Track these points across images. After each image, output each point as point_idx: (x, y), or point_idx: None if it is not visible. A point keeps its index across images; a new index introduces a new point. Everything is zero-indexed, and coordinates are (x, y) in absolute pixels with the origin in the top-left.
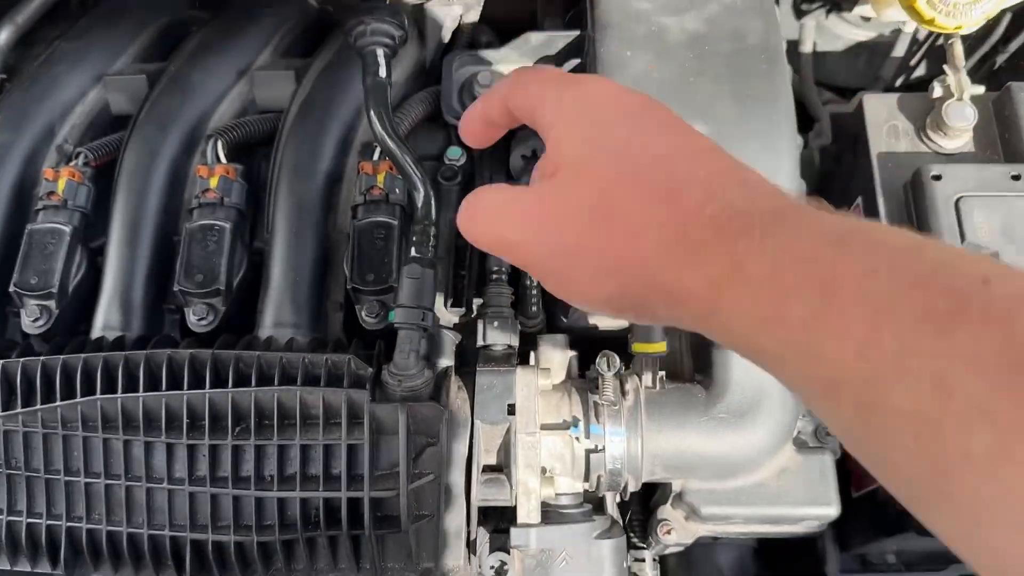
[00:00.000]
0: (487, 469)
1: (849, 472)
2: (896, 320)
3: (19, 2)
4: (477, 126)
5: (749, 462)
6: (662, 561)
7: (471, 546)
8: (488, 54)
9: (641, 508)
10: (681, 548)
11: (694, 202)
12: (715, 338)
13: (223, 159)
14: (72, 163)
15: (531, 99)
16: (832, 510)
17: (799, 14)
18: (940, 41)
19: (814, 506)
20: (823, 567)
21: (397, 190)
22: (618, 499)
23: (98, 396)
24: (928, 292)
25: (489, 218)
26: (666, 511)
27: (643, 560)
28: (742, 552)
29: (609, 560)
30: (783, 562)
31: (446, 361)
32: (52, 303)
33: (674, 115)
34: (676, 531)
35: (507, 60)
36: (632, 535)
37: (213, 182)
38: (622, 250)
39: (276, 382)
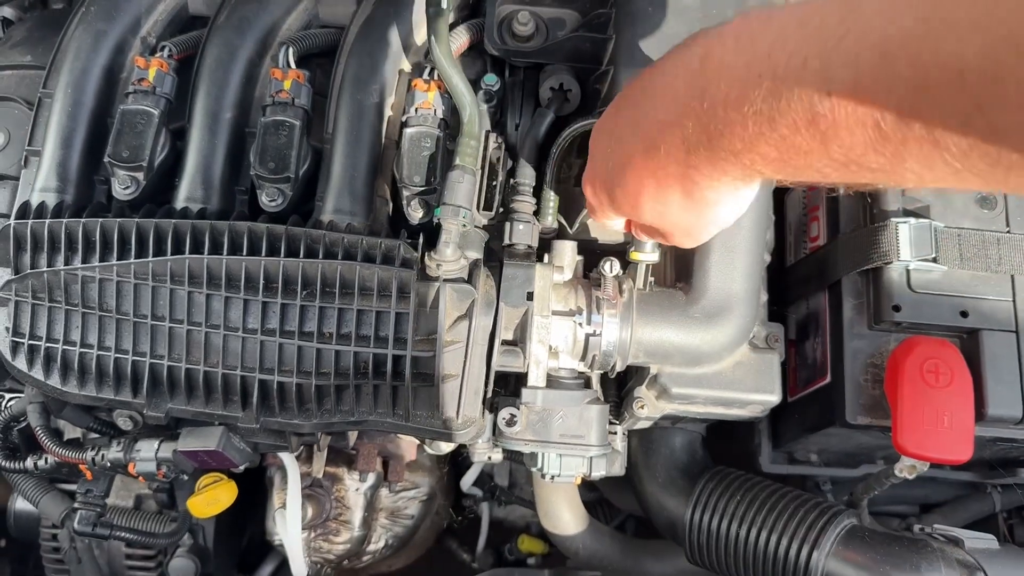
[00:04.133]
0: (506, 343)
1: (786, 382)
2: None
3: None
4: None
5: (713, 354)
6: (627, 439)
7: (486, 403)
8: None
9: (616, 392)
10: (648, 424)
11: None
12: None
13: (293, 65)
14: (158, 55)
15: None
16: (774, 397)
17: None
18: None
19: (760, 393)
20: (757, 459)
21: (443, 107)
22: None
23: (186, 255)
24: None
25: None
26: (641, 391)
27: (615, 433)
28: (692, 438)
29: (596, 421)
30: (725, 452)
31: (475, 254)
32: (140, 175)
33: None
34: (647, 407)
35: (542, 2)
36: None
37: (286, 84)
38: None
39: (339, 258)
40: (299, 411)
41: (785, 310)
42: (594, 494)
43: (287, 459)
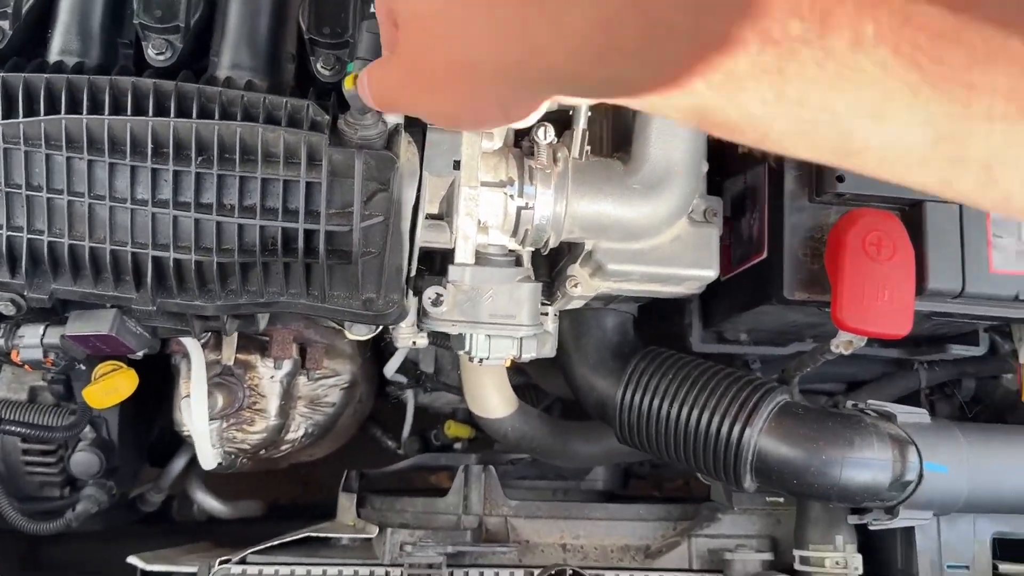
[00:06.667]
0: (430, 216)
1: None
2: None
3: None
4: None
5: (651, 228)
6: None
7: (409, 282)
8: None
9: (548, 272)
10: (581, 303)
11: None
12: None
13: None
14: None
15: None
16: (712, 272)
17: None
18: None
19: (698, 268)
20: (688, 338)
21: None
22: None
23: (62, 115)
24: None
25: None
26: (575, 269)
27: (546, 314)
28: (624, 319)
29: (527, 300)
30: (654, 332)
31: (395, 118)
32: (6, 23)
33: None
34: (581, 285)
35: None
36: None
37: None
38: None
39: (239, 119)
40: (200, 292)
41: (721, 185)
42: (521, 378)
43: (190, 344)
